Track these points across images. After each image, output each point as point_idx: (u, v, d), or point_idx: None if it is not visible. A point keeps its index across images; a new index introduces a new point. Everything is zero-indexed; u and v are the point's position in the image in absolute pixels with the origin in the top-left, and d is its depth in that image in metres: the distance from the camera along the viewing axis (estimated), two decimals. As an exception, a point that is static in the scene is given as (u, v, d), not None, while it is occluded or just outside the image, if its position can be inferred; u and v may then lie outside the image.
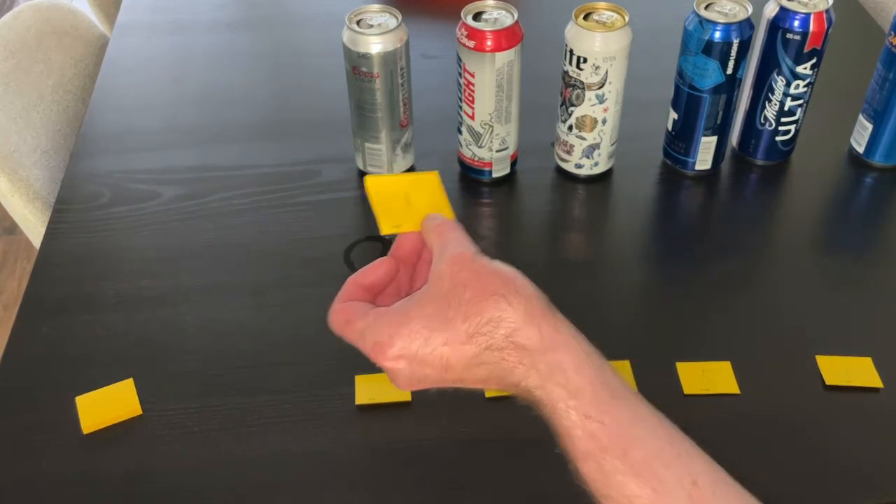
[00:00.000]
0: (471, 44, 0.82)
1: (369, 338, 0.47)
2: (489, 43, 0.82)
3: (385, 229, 0.51)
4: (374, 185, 0.52)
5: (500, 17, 0.83)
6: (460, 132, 0.90)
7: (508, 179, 0.94)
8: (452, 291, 0.46)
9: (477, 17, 0.84)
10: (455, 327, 0.45)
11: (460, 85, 0.86)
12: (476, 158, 0.91)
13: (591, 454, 0.43)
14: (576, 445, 0.44)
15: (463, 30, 0.83)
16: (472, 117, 0.87)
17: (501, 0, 0.85)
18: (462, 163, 0.93)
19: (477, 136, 0.88)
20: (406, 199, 0.52)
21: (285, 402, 0.73)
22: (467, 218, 0.93)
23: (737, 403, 0.72)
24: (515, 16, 0.83)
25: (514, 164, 0.93)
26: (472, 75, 0.84)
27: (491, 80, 0.84)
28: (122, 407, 0.72)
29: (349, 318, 0.48)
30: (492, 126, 0.87)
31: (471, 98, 0.86)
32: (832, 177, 0.96)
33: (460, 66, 0.85)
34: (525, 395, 0.46)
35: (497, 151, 0.90)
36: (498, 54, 0.82)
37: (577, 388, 0.44)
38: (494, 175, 0.92)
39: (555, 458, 0.71)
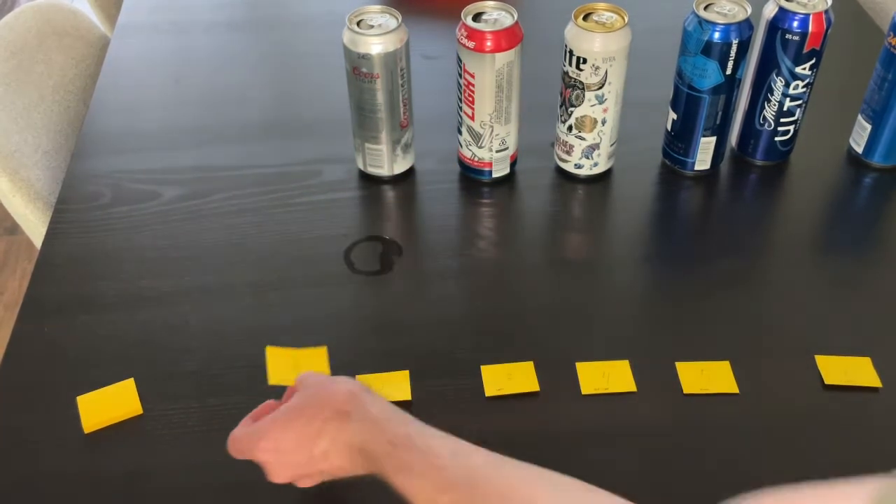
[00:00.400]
0: (471, 44, 0.82)
1: (250, 441, 0.61)
2: (489, 44, 0.82)
3: (271, 381, 0.68)
4: (272, 352, 0.69)
5: (499, 17, 0.83)
6: (460, 132, 0.90)
7: (508, 179, 0.94)
8: (303, 399, 0.61)
9: (477, 17, 0.84)
10: (301, 416, 0.60)
11: (460, 85, 0.86)
12: (476, 159, 0.91)
13: (399, 469, 0.56)
14: (384, 465, 0.56)
15: (463, 30, 0.83)
16: (471, 118, 0.87)
17: (501, 1, 0.85)
18: (462, 163, 0.93)
19: (477, 137, 0.89)
20: (295, 363, 0.69)
21: (285, 402, 0.73)
22: (467, 218, 0.93)
23: (736, 403, 0.72)
24: (515, 16, 0.83)
25: (513, 164, 0.93)
26: (472, 76, 0.84)
27: (491, 80, 0.84)
28: (123, 406, 0.72)
29: (239, 439, 0.62)
30: (492, 126, 0.87)
31: (471, 98, 0.86)
32: (831, 177, 0.96)
33: (460, 67, 0.85)
34: (358, 454, 0.58)
35: (497, 152, 0.90)
36: (498, 55, 0.82)
37: (378, 421, 0.58)
38: (494, 175, 0.92)
39: (553, 456, 0.71)
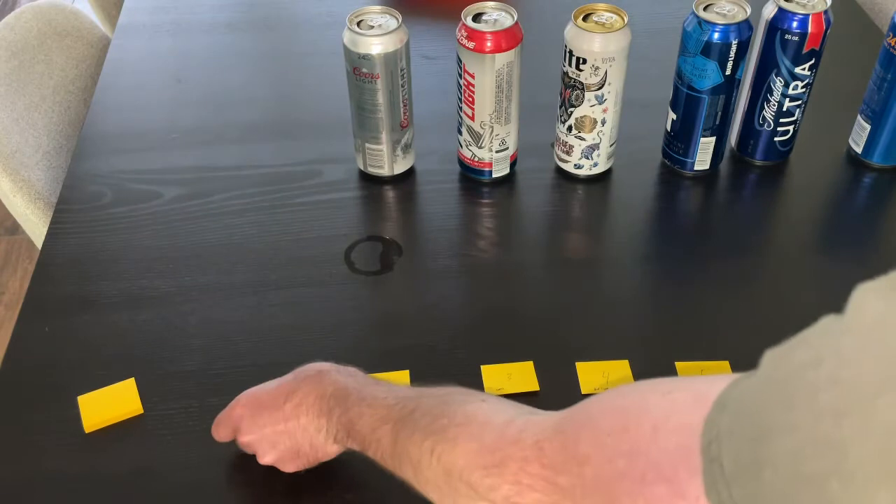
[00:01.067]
0: (471, 45, 0.83)
1: (233, 403, 0.66)
2: (489, 44, 0.82)
3: None
4: None
5: (499, 18, 0.84)
6: (460, 133, 0.91)
7: (508, 179, 0.94)
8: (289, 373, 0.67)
9: (477, 18, 0.84)
10: (284, 377, 0.65)
11: (460, 86, 0.87)
12: (476, 159, 0.91)
13: (358, 401, 0.59)
14: (348, 402, 0.60)
15: (463, 31, 0.83)
16: (471, 118, 0.88)
17: (501, 1, 0.85)
18: (462, 163, 0.93)
19: (477, 137, 0.89)
20: None
21: (286, 402, 0.73)
22: (467, 218, 0.93)
23: (735, 403, 0.72)
24: (515, 17, 0.83)
25: (513, 164, 0.93)
26: (472, 76, 0.84)
27: (491, 81, 0.84)
28: (124, 406, 0.72)
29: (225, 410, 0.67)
30: (492, 126, 0.88)
31: (471, 99, 0.86)
32: (830, 177, 0.96)
33: (460, 67, 0.85)
34: (328, 401, 0.61)
35: (497, 152, 0.90)
36: (498, 55, 0.82)
37: (354, 372, 0.64)
38: (494, 175, 0.92)
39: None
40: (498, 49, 0.82)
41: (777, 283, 0.84)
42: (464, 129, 0.90)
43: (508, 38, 0.82)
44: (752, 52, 0.87)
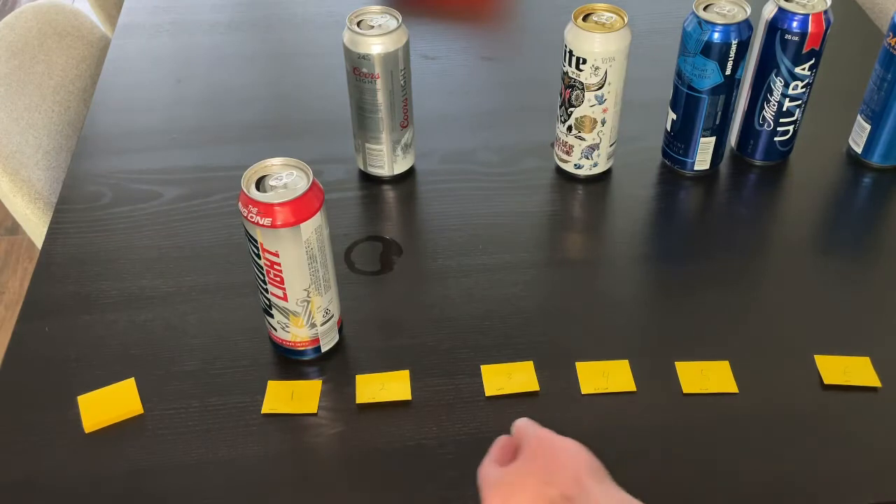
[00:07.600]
0: (266, 221, 0.66)
1: (485, 488, 0.58)
2: (289, 216, 0.66)
3: (264, 410, 0.72)
4: (272, 386, 0.73)
5: (290, 181, 0.68)
6: (271, 315, 0.73)
7: (508, 180, 0.94)
8: (530, 465, 0.58)
9: (260, 183, 0.69)
10: (524, 489, 0.56)
11: (260, 266, 0.70)
12: (298, 340, 0.74)
13: None
14: None
15: (251, 207, 0.66)
16: (284, 298, 0.71)
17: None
18: (278, 345, 0.76)
19: (294, 316, 0.73)
20: (291, 393, 0.74)
21: (286, 402, 0.73)
22: (467, 218, 0.93)
23: (735, 403, 0.72)
24: (311, 176, 0.68)
25: (341, 329, 0.78)
26: (276, 255, 0.68)
27: (300, 254, 0.68)
28: (124, 406, 0.72)
29: (481, 478, 0.59)
30: (308, 301, 0.72)
31: (279, 279, 0.70)
32: (830, 177, 0.96)
33: (255, 246, 0.68)
34: None
35: (321, 325, 0.74)
36: (302, 226, 0.66)
37: None
38: (323, 350, 0.76)
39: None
40: (300, 219, 0.66)
41: (777, 283, 0.84)
42: (275, 312, 0.72)
43: (306, 205, 0.66)
44: (751, 52, 0.87)
